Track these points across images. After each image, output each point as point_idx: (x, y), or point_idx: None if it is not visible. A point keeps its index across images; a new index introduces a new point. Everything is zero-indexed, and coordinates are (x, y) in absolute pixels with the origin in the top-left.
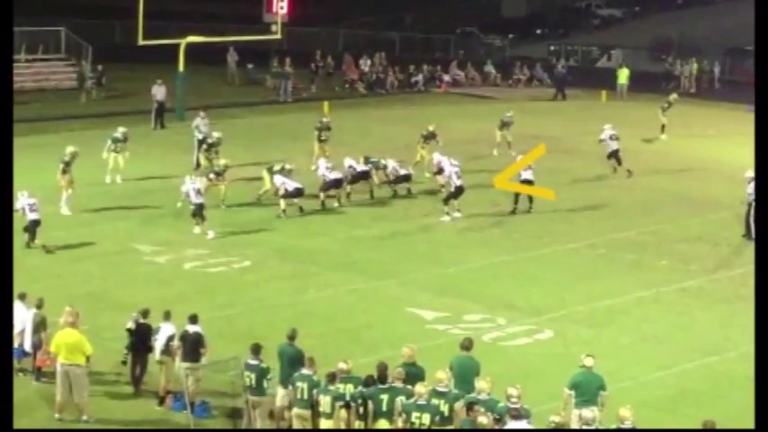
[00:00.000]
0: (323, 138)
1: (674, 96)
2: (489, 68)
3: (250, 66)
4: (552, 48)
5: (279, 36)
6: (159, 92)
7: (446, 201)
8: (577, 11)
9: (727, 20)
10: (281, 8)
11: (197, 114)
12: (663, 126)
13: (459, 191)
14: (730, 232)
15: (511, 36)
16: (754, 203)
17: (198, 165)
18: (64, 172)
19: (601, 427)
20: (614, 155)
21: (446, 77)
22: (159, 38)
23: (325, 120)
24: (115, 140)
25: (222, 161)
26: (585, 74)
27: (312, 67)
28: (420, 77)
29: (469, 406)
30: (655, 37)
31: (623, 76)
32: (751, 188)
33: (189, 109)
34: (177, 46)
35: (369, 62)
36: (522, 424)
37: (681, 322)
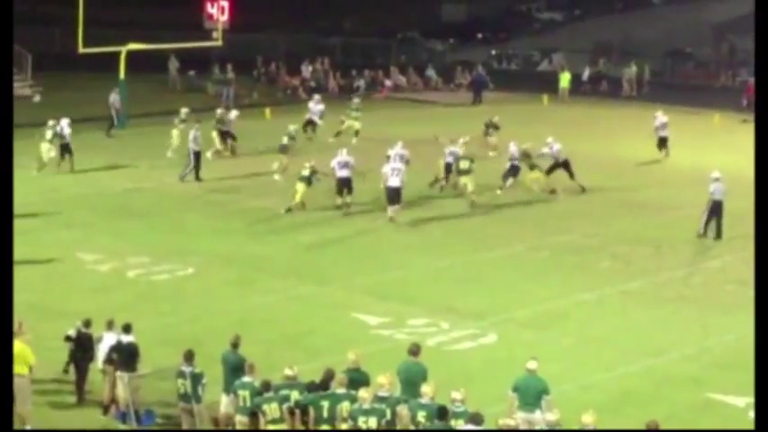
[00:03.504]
0: (489, 134)
1: (357, 101)
2: (430, 73)
3: (191, 73)
4: (493, 52)
5: (220, 43)
6: (117, 99)
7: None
8: (518, 15)
9: (667, 23)
10: (222, 15)
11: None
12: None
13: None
14: (672, 234)
15: (451, 41)
16: (712, 203)
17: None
18: None
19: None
20: (663, 143)
21: (387, 82)
22: (100, 46)
23: (494, 119)
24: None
25: None
26: (527, 78)
27: (254, 74)
28: (362, 82)
29: (443, 413)
30: (595, 40)
31: (565, 79)
32: (713, 188)
33: (132, 117)
34: (118, 54)
35: (310, 68)
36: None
37: (623, 324)
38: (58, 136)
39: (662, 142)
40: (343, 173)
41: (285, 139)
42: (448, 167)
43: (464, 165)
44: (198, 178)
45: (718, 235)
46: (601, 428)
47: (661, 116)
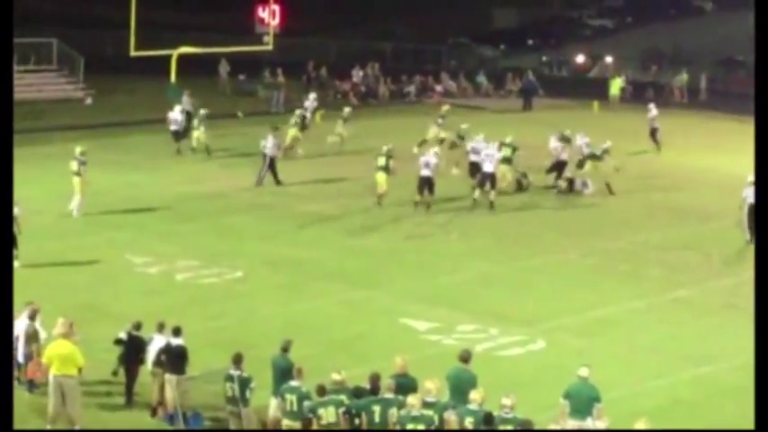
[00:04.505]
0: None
1: (446, 108)
2: (481, 79)
3: (241, 77)
4: (544, 58)
5: (270, 47)
6: (188, 102)
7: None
8: (569, 21)
9: (719, 30)
10: (273, 19)
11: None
12: (442, 140)
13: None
14: (721, 242)
15: (502, 47)
16: (747, 207)
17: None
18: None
19: None
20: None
21: (438, 88)
22: (151, 49)
23: (566, 133)
24: None
25: None
26: (577, 84)
27: (304, 79)
28: (412, 88)
29: (489, 419)
30: (646, 47)
31: (615, 86)
32: (746, 192)
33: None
34: (169, 57)
35: (360, 73)
36: None
37: (673, 332)
38: (202, 121)
39: (653, 133)
40: (425, 172)
41: (455, 136)
42: (580, 163)
43: (506, 152)
44: (278, 181)
45: (753, 239)
46: None
47: (653, 108)
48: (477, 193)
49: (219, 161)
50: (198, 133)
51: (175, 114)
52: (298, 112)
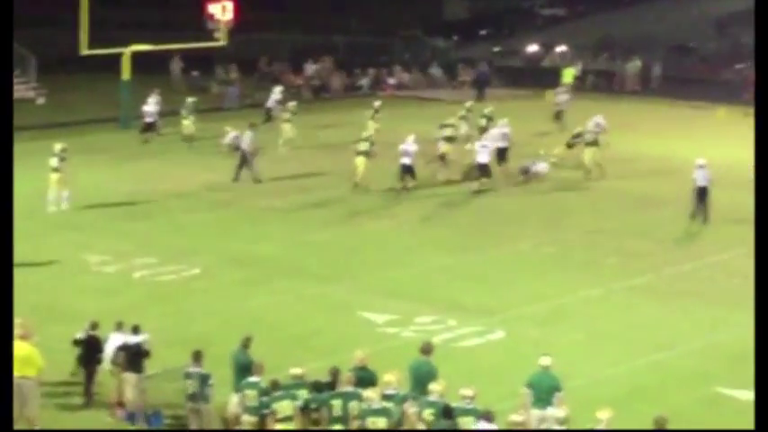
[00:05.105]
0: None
1: (470, 103)
2: (434, 71)
3: (195, 73)
4: (496, 49)
5: (222, 43)
6: (159, 100)
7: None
8: (520, 11)
9: (671, 17)
10: (224, 14)
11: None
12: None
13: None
14: (676, 228)
15: (455, 38)
16: (696, 189)
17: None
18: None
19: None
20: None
21: (391, 80)
22: (103, 47)
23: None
24: None
25: None
26: (530, 74)
27: (255, 75)
28: (365, 81)
29: (448, 413)
30: (599, 36)
31: (568, 75)
32: (695, 175)
33: (137, 117)
34: (121, 55)
35: (314, 67)
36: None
37: (630, 320)
38: (191, 113)
39: (558, 115)
40: (405, 160)
41: (483, 120)
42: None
43: (449, 132)
44: (237, 179)
45: (705, 220)
46: (611, 427)
47: (562, 93)
48: (476, 185)
49: (176, 158)
50: (187, 123)
51: (149, 107)
52: (291, 104)
